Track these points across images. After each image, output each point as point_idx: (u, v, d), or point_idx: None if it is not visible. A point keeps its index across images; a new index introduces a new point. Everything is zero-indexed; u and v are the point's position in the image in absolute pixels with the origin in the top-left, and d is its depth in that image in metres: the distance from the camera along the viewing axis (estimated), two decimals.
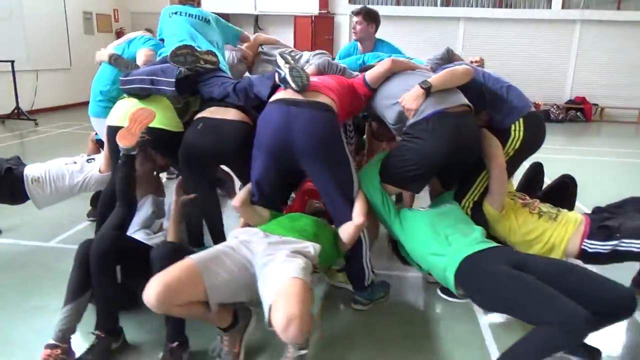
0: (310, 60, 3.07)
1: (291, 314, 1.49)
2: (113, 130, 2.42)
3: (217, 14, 3.22)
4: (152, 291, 1.61)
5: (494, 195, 2.42)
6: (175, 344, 1.90)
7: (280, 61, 2.19)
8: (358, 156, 3.33)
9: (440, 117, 2.21)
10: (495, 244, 2.11)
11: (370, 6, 3.72)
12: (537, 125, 2.50)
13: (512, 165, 2.49)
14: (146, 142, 2.32)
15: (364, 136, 3.47)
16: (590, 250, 2.28)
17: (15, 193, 2.82)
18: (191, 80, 2.54)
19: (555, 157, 5.94)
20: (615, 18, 10.14)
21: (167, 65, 2.53)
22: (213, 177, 2.54)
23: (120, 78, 2.64)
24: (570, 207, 2.90)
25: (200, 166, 2.48)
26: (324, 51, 3.39)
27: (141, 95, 2.60)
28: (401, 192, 2.68)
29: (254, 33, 12.68)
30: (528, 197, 2.63)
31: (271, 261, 1.78)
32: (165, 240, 2.32)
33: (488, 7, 10.81)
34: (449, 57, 2.74)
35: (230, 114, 2.43)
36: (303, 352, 1.86)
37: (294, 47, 10.34)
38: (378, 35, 3.62)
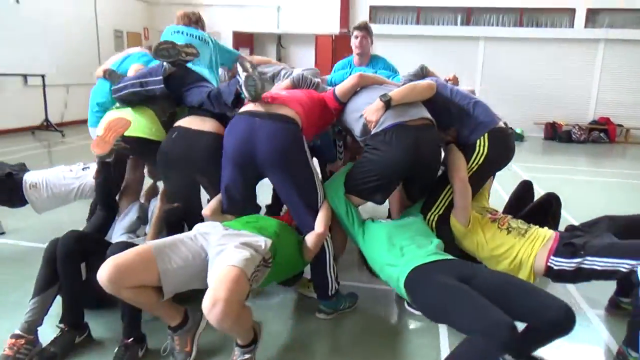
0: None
1: (217, 296, 1.59)
2: None
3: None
4: (104, 271, 1.72)
5: (457, 209, 2.44)
6: (131, 339, 2.00)
7: (239, 69, 2.25)
8: None
9: (399, 129, 2.26)
10: (448, 257, 2.13)
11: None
12: (501, 140, 2.50)
13: (477, 180, 2.49)
14: (123, 149, 2.45)
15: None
16: (555, 267, 2.25)
17: (14, 197, 3.03)
18: (177, 78, 2.61)
19: (574, 177, 5.77)
20: None
21: (153, 67, 2.65)
22: (194, 183, 2.63)
23: (112, 88, 2.80)
24: (555, 226, 2.87)
25: (176, 173, 2.56)
26: (315, 68, 3.50)
27: (133, 101, 2.69)
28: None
29: (276, 51, 12.77)
30: (500, 213, 2.62)
31: (222, 251, 1.87)
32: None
33: (509, 26, 10.73)
34: (422, 74, 2.79)
35: (207, 125, 2.50)
36: (247, 356, 1.91)
37: (315, 65, 10.49)
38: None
